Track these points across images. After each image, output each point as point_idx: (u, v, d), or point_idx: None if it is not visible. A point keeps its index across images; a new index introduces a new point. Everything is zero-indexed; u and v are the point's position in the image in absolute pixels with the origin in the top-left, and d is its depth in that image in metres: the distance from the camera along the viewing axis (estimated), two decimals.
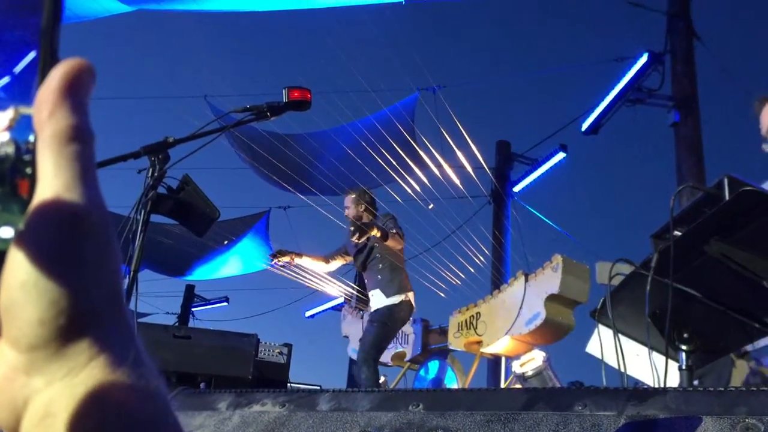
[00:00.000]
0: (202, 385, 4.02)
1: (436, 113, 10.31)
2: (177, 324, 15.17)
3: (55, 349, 0.32)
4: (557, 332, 5.18)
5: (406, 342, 6.64)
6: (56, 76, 0.34)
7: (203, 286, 17.00)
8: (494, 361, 7.90)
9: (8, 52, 0.36)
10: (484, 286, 10.31)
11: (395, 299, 5.31)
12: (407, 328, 6.69)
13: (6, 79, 0.36)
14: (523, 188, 12.43)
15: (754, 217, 1.59)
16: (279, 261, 5.46)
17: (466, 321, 5.82)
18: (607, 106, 9.72)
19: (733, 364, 4.68)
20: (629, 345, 2.34)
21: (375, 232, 5.12)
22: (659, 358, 2.17)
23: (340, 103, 10.24)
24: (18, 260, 0.32)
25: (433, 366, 6.25)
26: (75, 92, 0.34)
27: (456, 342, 5.88)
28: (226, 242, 12.20)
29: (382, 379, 6.66)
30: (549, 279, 5.12)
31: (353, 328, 6.91)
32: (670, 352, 2.10)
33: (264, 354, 4.62)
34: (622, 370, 2.23)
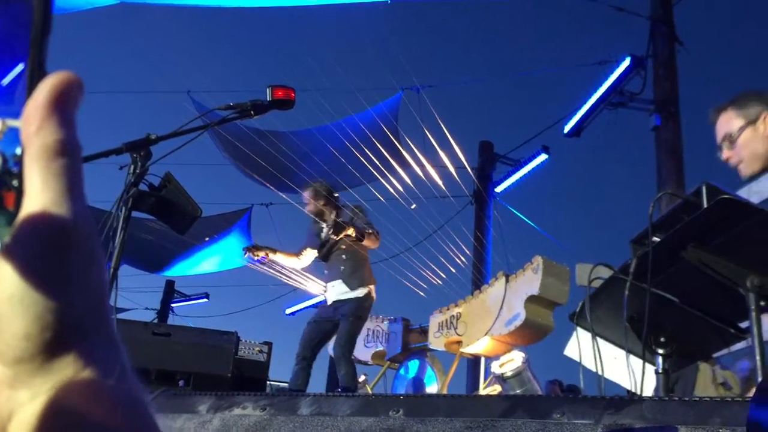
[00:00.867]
0: (181, 382, 4.00)
1: (420, 113, 10.34)
2: (156, 320, 15.07)
3: (41, 363, 0.32)
4: (537, 333, 5.21)
5: (386, 341, 6.65)
6: (44, 89, 0.34)
7: (183, 282, 16.89)
8: (473, 361, 7.94)
9: None
10: (464, 286, 10.36)
11: (359, 292, 5.32)
12: (386, 326, 6.70)
13: None
14: (505, 189, 12.49)
15: (731, 224, 1.62)
16: (254, 255, 5.46)
17: (446, 321, 5.85)
18: (589, 109, 9.80)
19: (697, 368, 4.75)
20: (607, 348, 2.36)
21: (351, 233, 5.12)
22: (636, 362, 2.20)
23: (324, 101, 10.22)
24: (4, 274, 0.32)
25: (413, 365, 6.27)
26: (63, 106, 0.35)
27: (436, 341, 5.91)
28: (207, 239, 12.14)
29: (362, 378, 6.67)
30: (529, 280, 5.16)
31: None
32: (647, 356, 2.13)
33: (244, 352, 4.60)
34: (600, 373, 2.26)
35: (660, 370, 2.18)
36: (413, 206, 9.59)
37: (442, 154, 10.03)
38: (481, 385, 5.72)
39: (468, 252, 10.67)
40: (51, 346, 0.32)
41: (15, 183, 0.34)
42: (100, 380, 0.33)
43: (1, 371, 0.33)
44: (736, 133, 2.39)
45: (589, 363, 2.37)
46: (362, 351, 6.41)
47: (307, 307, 14.78)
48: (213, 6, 9.33)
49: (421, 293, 8.00)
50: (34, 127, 0.34)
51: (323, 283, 5.86)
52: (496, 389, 4.99)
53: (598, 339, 2.30)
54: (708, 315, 1.97)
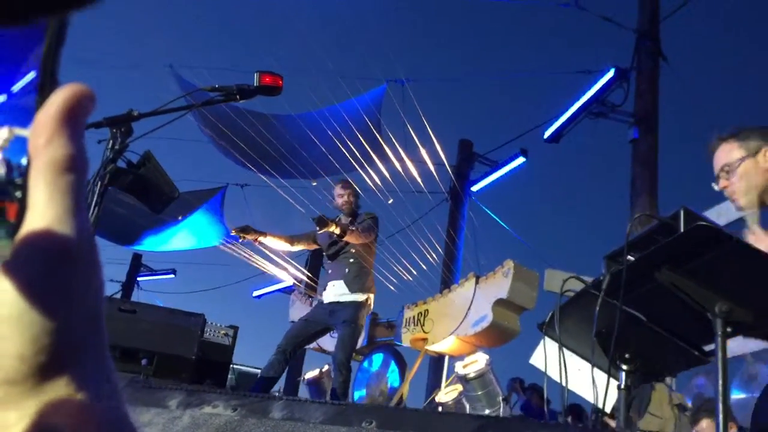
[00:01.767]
0: (143, 361, 3.97)
1: (403, 106, 10.33)
2: (121, 293, 14.90)
3: (33, 384, 0.32)
4: (502, 336, 5.25)
5: None
6: (56, 101, 0.33)
7: (150, 256, 16.73)
8: (437, 360, 7.99)
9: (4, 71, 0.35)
10: (434, 284, 10.40)
11: (359, 297, 5.26)
12: None
13: (2, 98, 0.35)
14: (481, 188, 12.55)
15: (705, 250, 1.65)
16: (244, 238, 5.39)
17: (414, 317, 5.87)
18: (570, 117, 9.88)
19: (653, 387, 4.84)
20: (572, 360, 2.39)
21: (333, 228, 5.08)
22: (599, 375, 2.23)
23: (309, 87, 10.16)
24: (3, 290, 0.31)
25: (377, 359, 6.28)
26: (74, 120, 0.34)
27: (402, 337, 5.93)
28: (180, 217, 12.01)
29: (326, 368, 6.66)
30: (499, 283, 5.19)
31: (302, 314, 6.89)
32: (611, 371, 2.16)
33: (210, 335, 4.58)
34: (564, 384, 2.29)
35: (623, 386, 2.21)
36: (390, 201, 9.59)
37: (422, 149, 10.04)
38: (443, 383, 5.75)
39: (440, 249, 10.71)
40: (45, 368, 0.31)
41: (18, 194, 0.34)
42: (91, 402, 0.33)
43: None
44: (736, 164, 2.44)
45: (553, 373, 2.40)
46: (328, 341, 6.41)
47: (274, 291, 14.74)
48: None
49: (391, 287, 8.02)
50: (43, 139, 0.33)
51: (301, 276, 5.84)
52: (457, 389, 5.03)
53: (565, 350, 2.32)
54: (674, 336, 2.00)
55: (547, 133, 10.15)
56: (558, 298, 2.31)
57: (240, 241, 5.53)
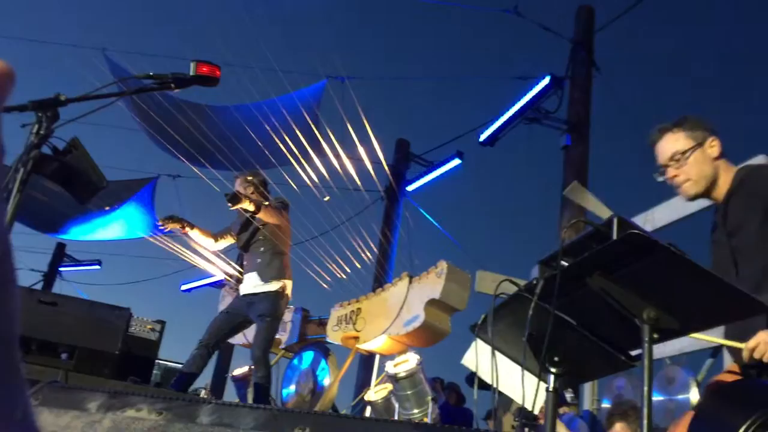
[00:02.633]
0: (63, 356, 3.81)
1: (342, 103, 10.28)
2: (42, 283, 14.33)
3: None
4: (433, 336, 5.29)
5: (283, 330, 6.58)
6: None
7: (75, 246, 16.15)
8: (368, 358, 7.99)
9: None
10: (367, 282, 10.40)
11: (273, 286, 5.16)
12: (286, 315, 6.63)
13: None
14: (416, 189, 12.63)
15: (637, 258, 1.68)
16: (168, 227, 5.25)
17: (346, 315, 5.84)
18: (506, 121, 10.06)
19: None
20: (503, 362, 2.42)
21: (247, 204, 4.96)
22: (529, 378, 2.26)
23: (247, 79, 9.98)
24: None
25: (308, 356, 6.23)
26: None
27: (333, 335, 5.89)
28: (107, 207, 11.63)
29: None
30: (432, 284, 5.22)
31: None
32: (541, 374, 2.19)
33: (135, 329, 4.44)
34: (495, 385, 2.31)
35: (551, 388, 2.24)
36: (326, 198, 9.52)
37: (360, 147, 10.02)
38: (373, 382, 5.75)
39: (374, 248, 10.71)
40: None
41: None
42: (2, 425, 0.29)
43: None
44: (688, 153, 2.48)
45: (484, 374, 2.42)
46: None
47: (204, 285, 14.46)
48: None
49: (324, 285, 7.96)
50: None
51: (223, 264, 5.73)
52: (387, 388, 5.03)
53: (496, 352, 2.34)
54: (602, 340, 2.04)
55: (483, 137, 10.30)
56: (492, 300, 2.33)
57: (165, 231, 5.37)
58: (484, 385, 2.47)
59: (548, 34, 10.41)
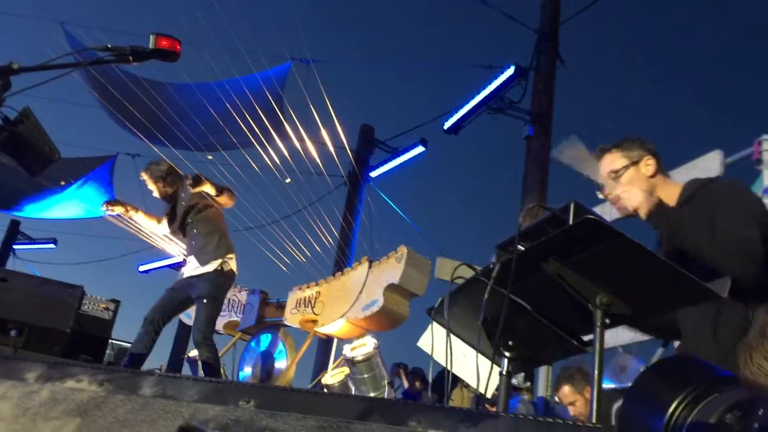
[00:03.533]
0: (13, 332, 3.72)
1: (307, 86, 10.19)
2: None
3: None
4: (391, 321, 5.30)
5: (241, 312, 6.53)
6: None
7: (29, 224, 15.76)
8: (325, 342, 7.98)
9: None
10: (327, 266, 10.37)
11: (209, 267, 5.04)
12: (243, 297, 6.58)
13: None
14: (379, 175, 12.63)
15: (592, 243, 1.69)
16: (112, 210, 5.17)
17: (305, 299, 5.82)
18: (470, 110, 10.07)
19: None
20: (458, 345, 2.43)
21: (209, 187, 4.90)
22: (483, 361, 2.27)
23: (210, 58, 9.83)
24: None
25: (265, 339, 6.20)
26: None
27: (292, 318, 5.87)
28: (63, 183, 11.35)
29: None
30: (392, 268, 5.22)
31: None
32: (495, 358, 2.20)
33: (88, 308, 4.35)
34: (449, 368, 2.32)
35: (504, 372, 2.26)
36: (288, 180, 9.46)
37: (323, 131, 9.96)
38: (330, 365, 5.75)
39: (335, 233, 10.68)
40: None
41: None
42: None
43: None
44: (621, 171, 2.61)
45: (439, 357, 2.43)
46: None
47: (162, 267, 14.26)
48: None
49: (284, 268, 7.92)
50: None
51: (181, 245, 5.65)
52: (344, 371, 5.04)
53: (452, 336, 2.35)
54: (555, 325, 2.06)
55: (447, 125, 10.32)
56: (449, 284, 2.33)
57: (108, 213, 5.28)
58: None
59: (513, 23, 10.45)
